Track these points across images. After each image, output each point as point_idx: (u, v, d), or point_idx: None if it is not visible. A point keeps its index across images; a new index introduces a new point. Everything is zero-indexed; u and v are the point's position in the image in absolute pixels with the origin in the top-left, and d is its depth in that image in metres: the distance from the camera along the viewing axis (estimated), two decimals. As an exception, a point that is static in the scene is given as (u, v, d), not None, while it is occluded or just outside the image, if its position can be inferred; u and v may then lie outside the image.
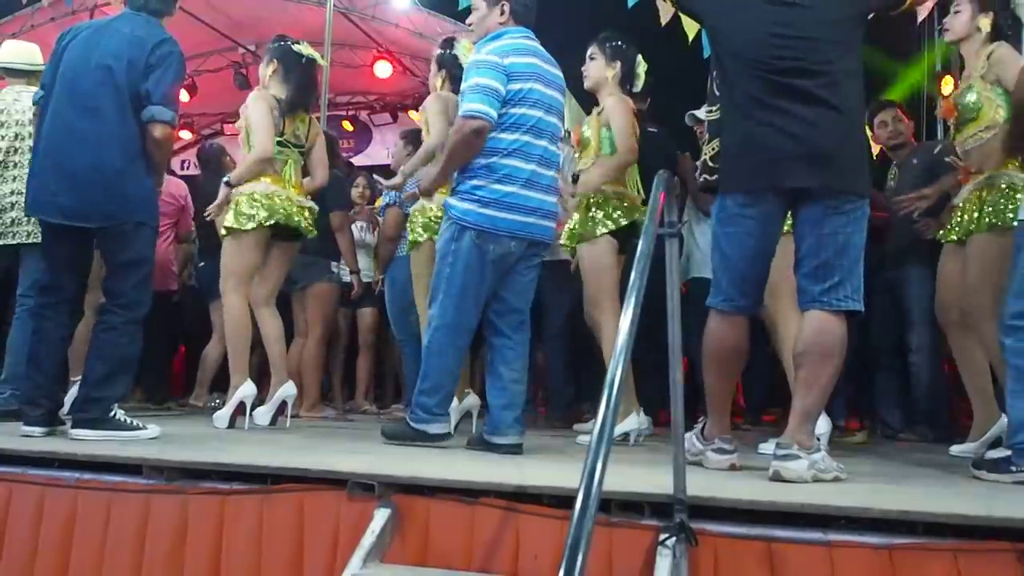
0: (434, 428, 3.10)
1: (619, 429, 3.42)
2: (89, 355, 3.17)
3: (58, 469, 2.62)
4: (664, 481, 1.95)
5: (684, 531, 1.85)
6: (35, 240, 3.83)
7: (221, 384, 5.03)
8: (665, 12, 5.43)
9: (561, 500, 2.01)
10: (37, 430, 3.08)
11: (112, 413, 3.10)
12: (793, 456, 2.30)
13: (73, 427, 3.05)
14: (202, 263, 5.29)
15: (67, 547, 2.45)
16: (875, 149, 4.44)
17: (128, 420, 3.12)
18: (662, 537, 1.86)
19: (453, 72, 3.77)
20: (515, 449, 3.01)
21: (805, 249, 2.45)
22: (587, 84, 3.72)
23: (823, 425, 2.98)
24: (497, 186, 3.01)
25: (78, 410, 3.10)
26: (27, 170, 3.71)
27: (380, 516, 2.10)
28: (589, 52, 3.67)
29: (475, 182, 3.03)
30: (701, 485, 2.02)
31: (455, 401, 3.74)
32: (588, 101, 4.04)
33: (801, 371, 2.40)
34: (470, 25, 3.32)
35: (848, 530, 1.84)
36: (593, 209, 3.53)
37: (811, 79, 2.41)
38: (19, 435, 3.03)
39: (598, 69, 3.65)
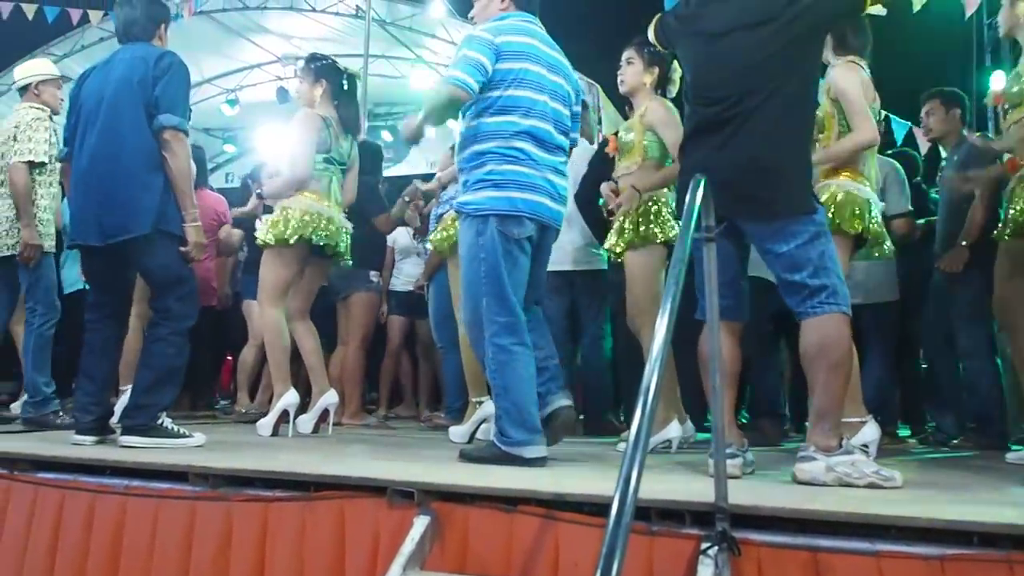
0: (529, 451, 2.76)
1: (661, 436, 3.39)
2: (139, 364, 3.27)
3: (108, 476, 2.67)
4: (705, 489, 1.92)
5: (726, 540, 1.82)
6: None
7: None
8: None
9: (600, 508, 2.00)
10: (88, 438, 3.18)
11: (159, 421, 3.17)
12: (808, 457, 2.36)
13: (122, 434, 3.13)
14: (243, 271, 5.38)
15: (117, 552, 2.50)
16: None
17: (175, 428, 3.19)
18: (704, 546, 1.84)
19: None
20: (540, 463, 2.82)
21: (769, 268, 2.56)
22: (623, 88, 3.68)
23: (871, 432, 2.92)
24: (509, 167, 2.88)
25: (127, 417, 3.18)
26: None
27: (420, 523, 2.11)
28: (626, 56, 3.63)
29: (487, 167, 2.90)
30: (743, 493, 1.99)
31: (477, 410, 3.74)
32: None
33: (808, 375, 2.46)
34: (472, 18, 3.27)
35: (898, 540, 1.80)
36: (651, 215, 3.46)
37: (731, 108, 2.51)
38: (71, 443, 3.12)
39: (636, 74, 3.60)
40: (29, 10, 8.26)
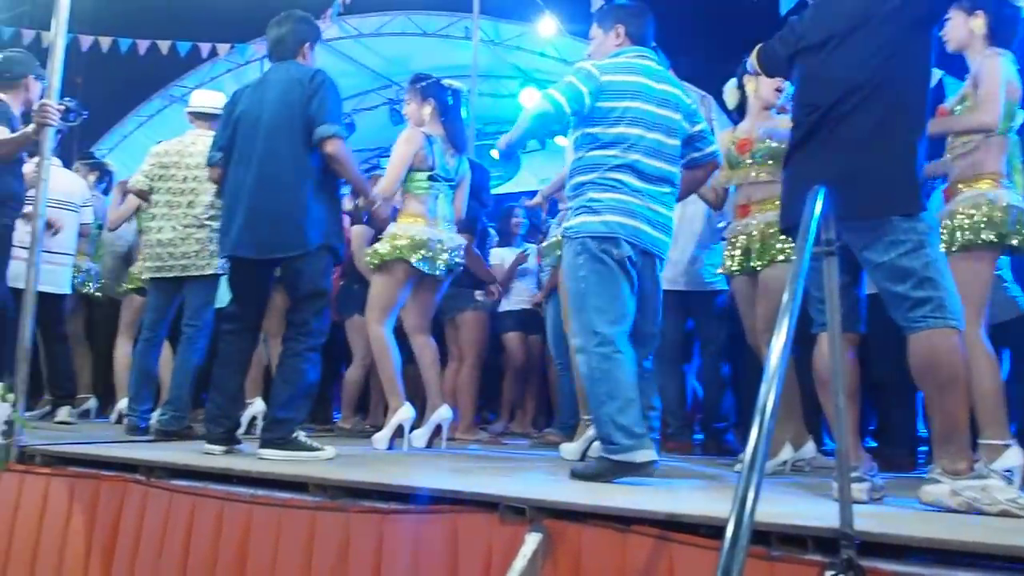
0: (640, 456, 2.75)
1: (781, 457, 3.28)
2: (275, 379, 3.42)
3: (235, 485, 2.80)
4: (830, 514, 1.85)
5: (852, 568, 1.74)
6: (198, 273, 4.24)
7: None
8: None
9: (717, 531, 1.94)
10: (217, 448, 3.34)
11: (295, 434, 3.28)
12: (933, 480, 2.28)
13: (260, 446, 3.26)
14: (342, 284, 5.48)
15: (243, 557, 2.61)
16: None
17: (308, 442, 3.30)
18: (827, 574, 1.76)
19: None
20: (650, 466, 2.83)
21: (871, 279, 2.51)
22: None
23: (1015, 457, 2.72)
24: (607, 195, 2.97)
25: (266, 431, 3.32)
26: (195, 210, 4.24)
27: (532, 540, 2.11)
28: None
29: (587, 195, 3.00)
30: (871, 519, 1.90)
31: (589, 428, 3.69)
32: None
33: (925, 397, 2.38)
34: (589, 56, 3.35)
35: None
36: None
37: (830, 112, 2.51)
38: (202, 452, 3.28)
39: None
40: (164, 46, 8.83)
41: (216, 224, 4.25)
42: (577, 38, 8.72)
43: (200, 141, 4.35)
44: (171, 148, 4.42)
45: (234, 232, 3.37)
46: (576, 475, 2.84)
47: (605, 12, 3.31)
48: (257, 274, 3.48)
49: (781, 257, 3.31)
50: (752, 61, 2.98)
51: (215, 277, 4.32)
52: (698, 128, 3.20)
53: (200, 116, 4.50)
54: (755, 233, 3.40)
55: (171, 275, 4.30)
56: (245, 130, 3.42)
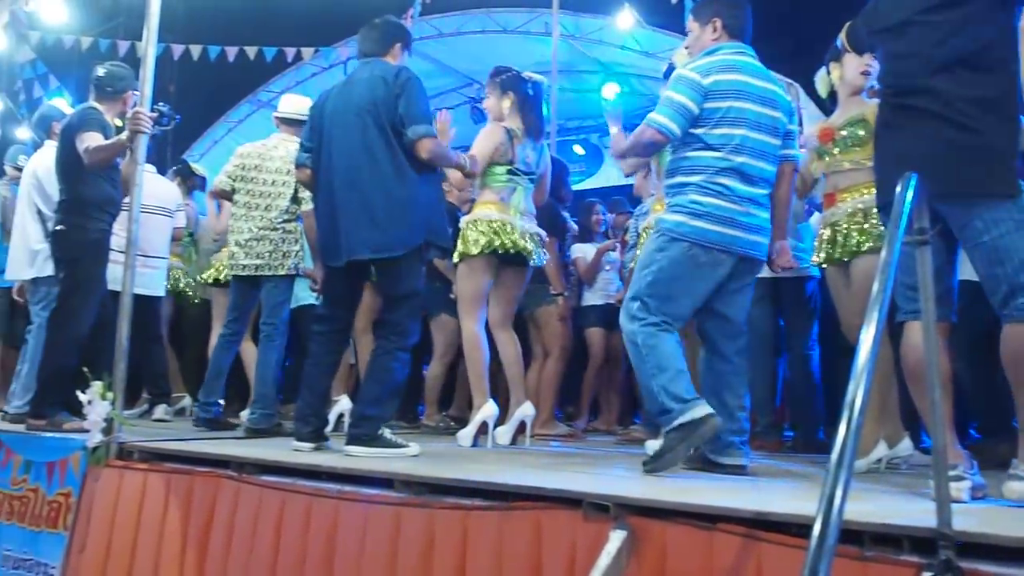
0: (697, 411, 2.79)
1: (875, 455, 3.16)
2: (365, 377, 3.48)
3: (323, 481, 2.86)
4: (926, 513, 1.77)
5: (951, 570, 1.66)
6: (271, 273, 4.38)
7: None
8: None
9: (807, 529, 1.88)
10: (306, 445, 3.41)
11: (381, 431, 3.33)
12: (1016, 476, 2.21)
13: (347, 443, 3.32)
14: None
15: (331, 552, 2.66)
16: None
17: (394, 439, 3.34)
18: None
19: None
20: (739, 469, 2.93)
21: (970, 261, 2.42)
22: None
23: None
24: (710, 199, 2.94)
25: (353, 427, 3.38)
26: (271, 214, 4.37)
27: (616, 538, 2.08)
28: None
29: (690, 196, 2.98)
30: (971, 519, 1.82)
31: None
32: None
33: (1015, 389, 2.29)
34: (687, 48, 3.35)
35: None
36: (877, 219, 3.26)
37: (921, 94, 2.42)
38: (291, 449, 3.36)
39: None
40: (251, 52, 9.13)
41: (291, 227, 4.41)
42: (658, 30, 8.60)
43: (282, 146, 4.47)
44: (254, 151, 4.55)
45: (339, 236, 3.39)
46: (646, 465, 2.85)
47: (702, 4, 3.25)
48: (352, 276, 3.53)
49: (868, 245, 3.20)
50: (842, 38, 2.90)
51: (290, 277, 4.45)
52: (791, 127, 3.18)
53: (286, 121, 4.62)
54: (841, 222, 3.30)
55: (245, 274, 4.44)
56: (333, 130, 3.45)
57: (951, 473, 2.31)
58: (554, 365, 5.08)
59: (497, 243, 3.90)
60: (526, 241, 3.99)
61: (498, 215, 3.97)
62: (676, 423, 2.81)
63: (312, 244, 4.24)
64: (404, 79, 3.40)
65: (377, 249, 3.35)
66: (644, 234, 4.08)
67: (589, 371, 5.67)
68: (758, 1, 3.29)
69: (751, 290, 3.14)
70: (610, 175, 10.61)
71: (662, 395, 2.86)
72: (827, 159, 3.40)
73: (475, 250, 3.91)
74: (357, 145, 3.38)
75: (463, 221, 4.06)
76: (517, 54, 9.16)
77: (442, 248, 3.55)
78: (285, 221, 4.39)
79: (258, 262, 4.39)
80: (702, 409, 2.81)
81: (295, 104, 4.71)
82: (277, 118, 4.72)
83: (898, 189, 1.73)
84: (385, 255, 3.35)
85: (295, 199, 4.41)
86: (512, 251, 3.94)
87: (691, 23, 3.26)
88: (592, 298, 5.59)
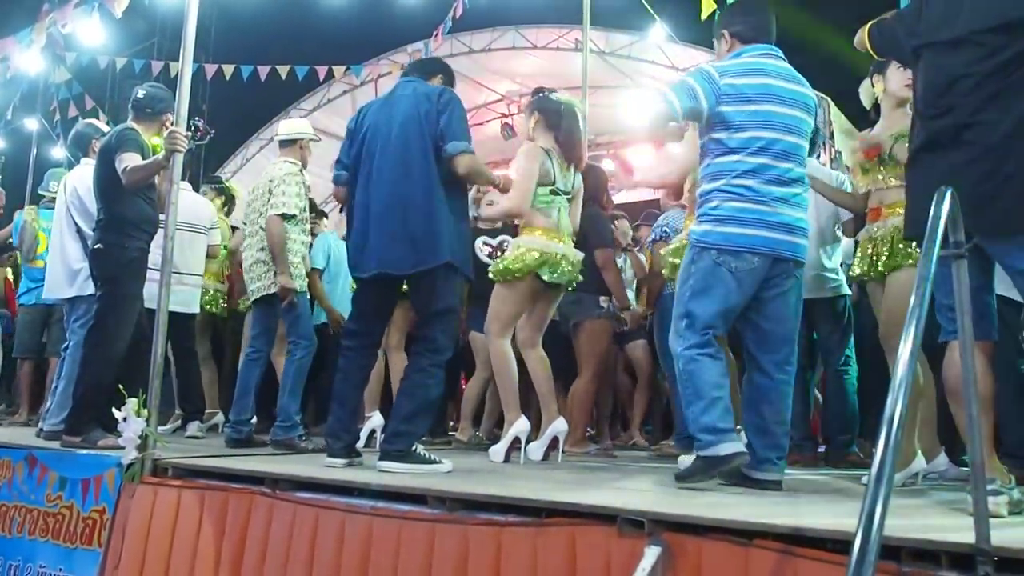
0: (724, 448, 2.81)
1: (912, 469, 3.12)
2: (399, 393, 3.48)
3: (356, 497, 2.87)
4: (964, 529, 1.75)
5: (990, 587, 1.64)
6: (266, 293, 4.57)
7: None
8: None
9: (844, 545, 1.86)
10: (339, 461, 3.43)
11: (414, 447, 3.34)
12: None
13: (380, 459, 3.33)
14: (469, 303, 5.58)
15: (365, 568, 2.66)
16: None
17: (427, 455, 3.35)
18: (963, 591, 1.66)
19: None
20: (775, 485, 2.91)
21: (1016, 288, 2.42)
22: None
23: None
24: (732, 203, 2.94)
25: (386, 443, 3.39)
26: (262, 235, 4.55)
27: (651, 554, 2.07)
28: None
29: (712, 203, 2.98)
30: (1010, 534, 1.79)
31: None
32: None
33: None
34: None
35: None
36: None
37: (968, 119, 2.36)
38: (323, 465, 3.38)
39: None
40: (283, 70, 9.28)
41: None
42: (688, 44, 8.61)
43: (271, 169, 4.73)
44: (258, 183, 4.76)
45: (369, 247, 3.44)
46: (678, 478, 2.92)
47: (716, 23, 3.28)
48: (384, 291, 3.56)
49: (909, 261, 3.17)
50: (861, 37, 2.81)
51: (304, 294, 4.64)
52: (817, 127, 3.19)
53: (283, 144, 4.84)
54: (885, 237, 3.28)
55: (255, 297, 4.64)
56: (375, 146, 3.49)
57: (989, 488, 2.29)
58: (587, 383, 4.91)
59: (546, 272, 3.91)
60: (568, 264, 4.00)
61: (552, 244, 3.97)
62: (703, 454, 2.86)
63: (276, 256, 4.48)
64: (447, 98, 3.48)
65: (415, 264, 3.38)
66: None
67: (640, 385, 5.67)
68: (787, 16, 3.30)
69: (790, 298, 3.07)
70: (642, 190, 10.58)
71: (695, 425, 2.90)
72: (873, 175, 3.38)
73: (520, 274, 3.91)
74: (397, 161, 3.42)
75: (513, 244, 4.07)
76: (547, 71, 9.24)
77: (464, 276, 3.55)
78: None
79: (257, 284, 4.60)
80: (730, 446, 2.81)
81: (291, 126, 4.94)
82: (278, 143, 4.92)
83: (933, 204, 1.71)
84: (420, 268, 3.38)
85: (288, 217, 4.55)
86: (556, 280, 3.96)
87: (715, 43, 3.29)
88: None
